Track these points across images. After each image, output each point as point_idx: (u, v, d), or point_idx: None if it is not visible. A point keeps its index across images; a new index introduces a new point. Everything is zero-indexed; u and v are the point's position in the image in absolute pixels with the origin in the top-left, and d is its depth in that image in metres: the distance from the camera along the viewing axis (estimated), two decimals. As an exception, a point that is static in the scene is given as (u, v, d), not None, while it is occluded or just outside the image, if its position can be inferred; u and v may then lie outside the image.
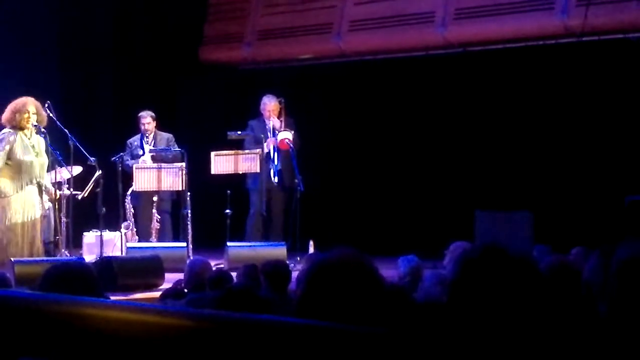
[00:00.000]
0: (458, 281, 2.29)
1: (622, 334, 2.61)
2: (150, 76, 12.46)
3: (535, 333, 2.17)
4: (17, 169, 8.48)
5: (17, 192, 8.45)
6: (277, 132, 10.16)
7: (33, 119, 8.52)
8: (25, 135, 8.55)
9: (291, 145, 10.01)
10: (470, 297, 2.23)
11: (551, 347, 2.15)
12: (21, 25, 11.34)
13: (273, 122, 10.23)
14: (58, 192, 8.94)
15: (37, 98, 8.77)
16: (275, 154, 10.18)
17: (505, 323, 2.18)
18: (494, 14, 10.22)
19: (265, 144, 10.17)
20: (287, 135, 10.08)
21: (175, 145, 10.36)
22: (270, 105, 10.28)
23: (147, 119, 10.37)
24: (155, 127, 10.45)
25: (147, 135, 10.39)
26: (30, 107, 8.52)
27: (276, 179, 10.13)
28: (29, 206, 8.50)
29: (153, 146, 10.33)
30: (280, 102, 10.29)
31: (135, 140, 10.41)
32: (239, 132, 10.30)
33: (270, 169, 10.17)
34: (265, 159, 10.11)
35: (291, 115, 10.39)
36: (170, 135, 10.48)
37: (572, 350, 2.26)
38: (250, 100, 10.84)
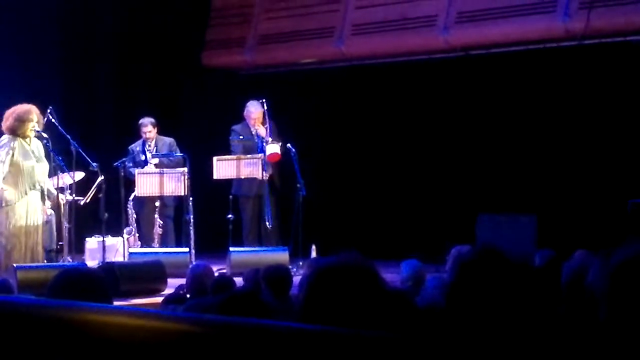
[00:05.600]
0: (455, 284, 2.28)
1: (618, 337, 2.60)
2: (152, 81, 12.46)
3: (532, 336, 2.17)
4: (19, 174, 8.46)
5: (20, 198, 8.45)
6: (264, 143, 10.12)
7: (35, 127, 8.53)
8: (25, 141, 8.55)
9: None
10: (467, 299, 2.23)
11: (548, 351, 2.14)
12: (23, 30, 11.33)
13: (259, 130, 10.21)
14: (62, 197, 8.93)
15: (39, 103, 8.76)
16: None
17: (502, 326, 2.17)
18: (496, 17, 10.22)
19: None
20: (275, 150, 10.05)
21: (177, 150, 10.35)
22: (255, 113, 10.26)
23: (148, 127, 10.34)
24: (157, 132, 10.44)
25: (148, 142, 10.37)
26: (34, 116, 8.52)
27: (266, 176, 10.10)
28: (32, 212, 8.49)
29: (155, 152, 10.32)
30: (262, 106, 10.26)
31: (137, 146, 10.40)
32: (242, 137, 10.30)
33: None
34: None
35: (272, 118, 10.33)
36: (171, 140, 10.47)
37: (569, 354, 2.25)
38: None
